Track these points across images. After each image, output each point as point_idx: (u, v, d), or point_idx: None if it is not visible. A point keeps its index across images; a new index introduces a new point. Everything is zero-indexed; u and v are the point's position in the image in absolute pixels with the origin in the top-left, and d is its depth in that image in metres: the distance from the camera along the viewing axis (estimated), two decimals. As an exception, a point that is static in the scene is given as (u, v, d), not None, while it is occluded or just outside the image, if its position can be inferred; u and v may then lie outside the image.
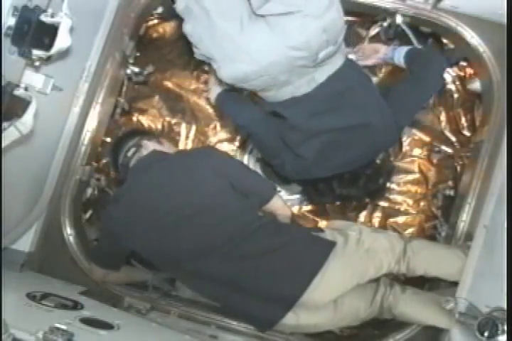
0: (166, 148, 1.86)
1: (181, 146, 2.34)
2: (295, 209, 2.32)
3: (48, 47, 1.35)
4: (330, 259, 1.57)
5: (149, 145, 1.81)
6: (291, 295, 1.56)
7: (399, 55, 1.87)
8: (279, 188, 2.31)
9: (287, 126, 1.76)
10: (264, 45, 1.53)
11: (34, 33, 1.30)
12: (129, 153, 1.81)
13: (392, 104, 1.76)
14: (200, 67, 2.33)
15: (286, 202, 1.90)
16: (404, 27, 2.05)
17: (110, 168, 2.17)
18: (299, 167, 1.84)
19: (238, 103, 1.89)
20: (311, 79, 1.65)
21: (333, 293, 1.58)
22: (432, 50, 2.11)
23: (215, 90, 1.89)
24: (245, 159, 2.34)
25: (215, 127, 2.35)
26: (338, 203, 2.31)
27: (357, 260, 1.62)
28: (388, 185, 2.25)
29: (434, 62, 1.84)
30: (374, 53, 1.97)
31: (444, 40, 2.11)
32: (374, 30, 2.18)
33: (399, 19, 2.01)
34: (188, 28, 1.62)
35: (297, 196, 2.32)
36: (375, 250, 1.64)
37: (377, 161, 2.09)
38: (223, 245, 1.58)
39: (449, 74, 2.24)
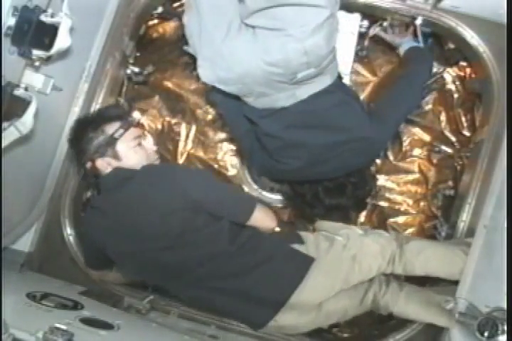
0: (124, 162, 1.63)
1: (181, 146, 2.34)
2: (295, 209, 2.32)
3: (48, 47, 1.36)
4: (310, 272, 1.56)
5: (103, 162, 1.61)
6: (268, 312, 1.57)
7: (404, 46, 2.00)
8: (278, 187, 2.32)
9: (262, 132, 1.78)
10: (243, 55, 1.52)
11: (34, 33, 1.31)
12: (87, 166, 1.64)
13: (374, 119, 1.76)
14: (200, 67, 2.33)
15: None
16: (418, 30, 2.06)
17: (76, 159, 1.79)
18: (269, 167, 1.87)
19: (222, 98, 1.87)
20: (291, 95, 1.64)
21: (315, 299, 1.58)
22: (424, 59, 2.06)
23: None
24: (245, 159, 2.34)
25: (215, 127, 2.35)
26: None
27: (340, 267, 1.60)
28: (373, 192, 2.23)
29: (420, 70, 1.90)
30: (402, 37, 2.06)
31: (444, 40, 2.11)
32: (374, 30, 2.18)
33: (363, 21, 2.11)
34: (185, 20, 1.65)
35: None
36: (362, 256, 1.62)
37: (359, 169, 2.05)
38: (197, 269, 1.55)
39: (449, 74, 2.25)
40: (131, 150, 1.63)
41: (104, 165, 1.61)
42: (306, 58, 1.50)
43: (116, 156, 1.62)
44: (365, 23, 2.12)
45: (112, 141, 1.61)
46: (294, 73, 1.54)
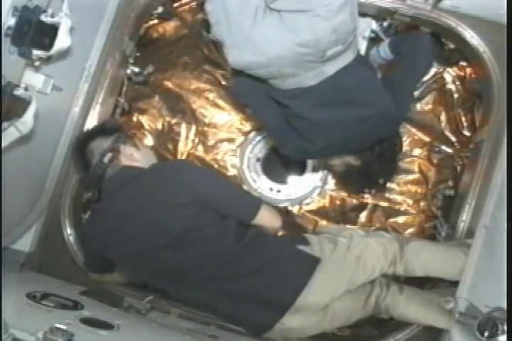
0: (142, 152, 1.76)
1: (181, 146, 2.34)
2: (295, 208, 2.32)
3: (48, 47, 1.36)
4: (316, 273, 1.56)
5: (127, 151, 1.70)
6: (274, 314, 1.56)
7: (383, 48, 1.96)
8: (278, 187, 2.32)
9: (291, 113, 1.80)
10: (273, 39, 1.56)
11: (34, 33, 1.31)
12: (105, 159, 1.66)
13: (389, 91, 1.78)
14: (200, 67, 2.33)
15: (276, 210, 1.80)
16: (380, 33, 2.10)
17: (78, 169, 1.86)
18: (302, 150, 1.87)
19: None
20: (318, 72, 1.67)
21: (321, 301, 1.57)
22: (407, 35, 2.10)
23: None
24: (245, 159, 2.34)
25: (215, 127, 2.35)
26: (338, 202, 2.31)
27: (345, 267, 1.60)
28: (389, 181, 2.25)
29: (417, 39, 1.89)
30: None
31: (444, 40, 2.11)
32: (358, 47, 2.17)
33: (374, 25, 2.08)
34: (209, 8, 1.64)
35: (297, 195, 2.32)
36: (366, 256, 1.63)
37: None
38: (200, 270, 1.55)
39: (449, 74, 2.25)
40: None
41: (127, 153, 1.69)
42: (334, 36, 1.54)
43: (135, 145, 1.75)
44: (376, 27, 2.12)
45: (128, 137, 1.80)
46: (323, 51, 1.58)
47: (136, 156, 1.71)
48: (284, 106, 1.80)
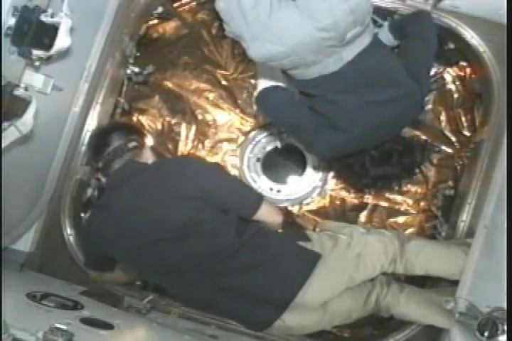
0: (146, 151, 1.76)
1: (181, 146, 2.34)
2: (295, 208, 2.32)
3: (48, 47, 1.36)
4: (316, 269, 1.56)
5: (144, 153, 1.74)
6: (274, 310, 1.56)
7: (385, 33, 1.94)
8: (278, 187, 2.33)
9: (321, 100, 1.78)
10: (292, 27, 1.56)
11: (34, 33, 1.31)
12: (130, 145, 1.69)
13: (408, 72, 1.77)
14: (200, 67, 2.33)
15: (277, 207, 1.81)
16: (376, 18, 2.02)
17: (91, 153, 1.87)
18: (336, 142, 1.83)
19: (269, 89, 1.89)
20: (338, 58, 1.67)
21: (321, 298, 1.57)
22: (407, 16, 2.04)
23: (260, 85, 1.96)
24: (245, 159, 2.34)
25: (215, 127, 2.35)
26: (338, 202, 2.31)
27: (345, 265, 1.60)
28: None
29: (419, 17, 1.87)
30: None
31: (444, 40, 2.11)
32: (374, 30, 2.17)
33: None
34: (221, 5, 1.64)
35: (297, 195, 2.32)
36: (366, 254, 1.63)
37: (405, 137, 2.08)
38: (201, 265, 1.55)
39: (449, 74, 2.25)
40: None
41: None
42: (352, 17, 1.55)
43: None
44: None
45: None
46: (343, 34, 1.58)
47: (144, 155, 1.73)
48: (312, 95, 1.80)
